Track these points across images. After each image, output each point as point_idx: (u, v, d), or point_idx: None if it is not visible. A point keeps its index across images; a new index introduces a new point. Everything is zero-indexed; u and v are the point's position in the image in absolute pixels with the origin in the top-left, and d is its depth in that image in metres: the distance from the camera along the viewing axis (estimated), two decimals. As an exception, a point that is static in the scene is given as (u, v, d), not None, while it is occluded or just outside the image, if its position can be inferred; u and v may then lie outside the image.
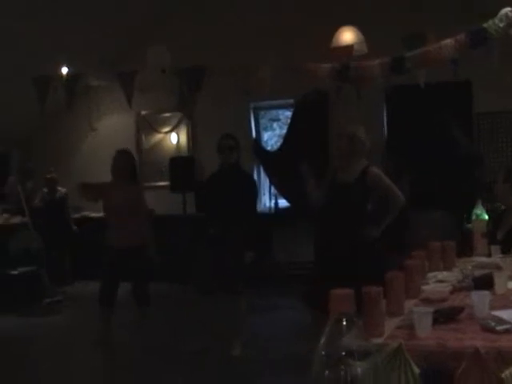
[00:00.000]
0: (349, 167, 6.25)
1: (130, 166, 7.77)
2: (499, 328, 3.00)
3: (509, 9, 5.72)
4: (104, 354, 7.73)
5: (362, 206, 6.27)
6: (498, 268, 4.33)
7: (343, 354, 1.40)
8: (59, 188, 12.23)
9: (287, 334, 8.05)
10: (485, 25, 5.60)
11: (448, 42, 5.76)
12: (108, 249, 7.60)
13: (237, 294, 7.39)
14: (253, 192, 7.62)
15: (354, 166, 6.24)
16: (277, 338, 8.08)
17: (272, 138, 13.15)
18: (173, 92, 9.74)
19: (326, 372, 1.40)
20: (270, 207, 12.20)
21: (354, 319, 1.41)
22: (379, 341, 2.92)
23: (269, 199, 12.38)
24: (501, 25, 5.63)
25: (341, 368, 1.42)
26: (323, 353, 1.42)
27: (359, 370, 2.42)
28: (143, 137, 13.63)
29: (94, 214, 12.63)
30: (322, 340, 1.43)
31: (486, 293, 3.41)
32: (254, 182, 7.72)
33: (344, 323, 1.41)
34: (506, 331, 2.99)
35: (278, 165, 10.99)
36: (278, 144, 12.50)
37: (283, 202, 11.87)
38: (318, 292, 6.48)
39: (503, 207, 6.03)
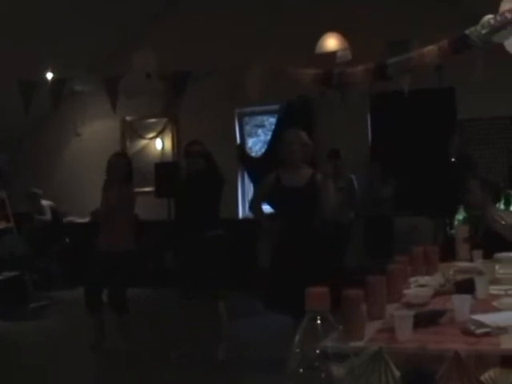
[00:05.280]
0: (298, 172, 6.58)
1: (125, 168, 7.86)
2: (479, 331, 3.03)
3: (491, 16, 5.74)
4: (96, 357, 7.78)
5: (313, 208, 6.55)
6: (480, 273, 4.36)
7: (317, 351, 1.41)
8: (43, 202, 12.24)
9: (270, 338, 8.05)
10: (467, 31, 5.61)
11: (431, 48, 5.76)
12: (98, 252, 7.68)
13: (217, 299, 7.44)
14: (217, 182, 7.70)
15: (302, 172, 6.58)
16: (260, 341, 8.10)
17: (257, 144, 13.14)
18: (158, 97, 9.76)
19: (301, 370, 1.42)
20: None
21: (329, 317, 1.43)
22: (359, 344, 2.95)
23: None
24: (483, 32, 5.65)
25: (316, 367, 1.44)
26: (297, 350, 1.44)
27: (338, 372, 2.44)
28: (128, 142, 13.60)
29: (79, 220, 12.68)
30: (297, 337, 1.45)
31: (467, 296, 3.44)
32: (219, 175, 7.76)
33: (319, 321, 1.42)
34: (486, 334, 3.02)
35: (262, 171, 10.99)
36: (263, 150, 12.52)
37: (267, 208, 11.89)
38: (276, 296, 6.65)
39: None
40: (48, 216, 12.19)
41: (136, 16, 12.31)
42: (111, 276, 7.62)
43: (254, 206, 7.23)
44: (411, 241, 6.56)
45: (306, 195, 6.50)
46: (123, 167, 7.89)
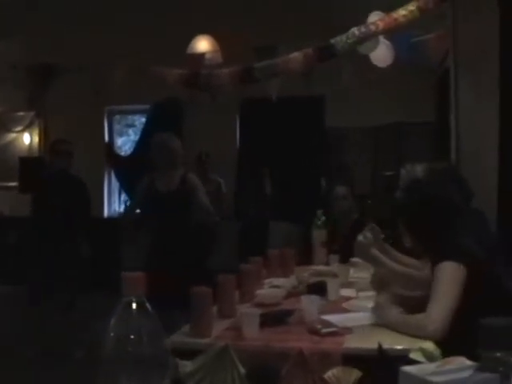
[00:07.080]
0: (169, 177, 6.46)
1: None
2: (324, 330, 3.10)
3: (356, 28, 5.90)
4: None
5: (185, 210, 6.49)
6: (334, 276, 4.46)
7: (132, 337, 1.42)
8: None
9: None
10: (332, 41, 5.75)
11: (296, 55, 5.88)
12: None
13: (73, 299, 7.36)
14: (85, 196, 7.66)
15: (173, 174, 6.46)
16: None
17: (126, 143, 13.01)
18: (24, 89, 9.55)
19: (115, 353, 1.43)
20: (119, 213, 12.08)
21: (144, 303, 1.44)
22: (207, 341, 2.98)
23: (118, 205, 12.29)
24: (348, 41, 5.80)
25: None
26: (112, 335, 1.44)
27: (185, 368, 2.45)
28: (-6, 135, 13.24)
29: None
30: (112, 322, 1.46)
31: (315, 297, 3.51)
32: (85, 186, 7.73)
33: (134, 307, 1.43)
34: (331, 334, 3.09)
35: (130, 170, 10.90)
36: (132, 150, 12.43)
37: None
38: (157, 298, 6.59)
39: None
40: None
41: (5, 3, 11.95)
42: None
43: (131, 212, 7.17)
44: (271, 245, 6.64)
45: (178, 196, 6.44)
46: None
